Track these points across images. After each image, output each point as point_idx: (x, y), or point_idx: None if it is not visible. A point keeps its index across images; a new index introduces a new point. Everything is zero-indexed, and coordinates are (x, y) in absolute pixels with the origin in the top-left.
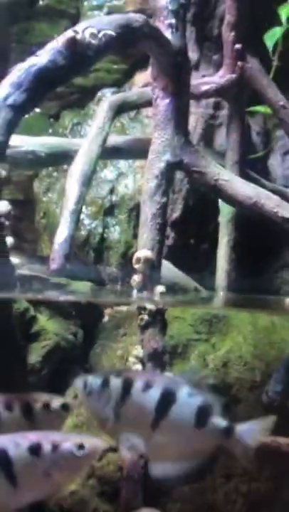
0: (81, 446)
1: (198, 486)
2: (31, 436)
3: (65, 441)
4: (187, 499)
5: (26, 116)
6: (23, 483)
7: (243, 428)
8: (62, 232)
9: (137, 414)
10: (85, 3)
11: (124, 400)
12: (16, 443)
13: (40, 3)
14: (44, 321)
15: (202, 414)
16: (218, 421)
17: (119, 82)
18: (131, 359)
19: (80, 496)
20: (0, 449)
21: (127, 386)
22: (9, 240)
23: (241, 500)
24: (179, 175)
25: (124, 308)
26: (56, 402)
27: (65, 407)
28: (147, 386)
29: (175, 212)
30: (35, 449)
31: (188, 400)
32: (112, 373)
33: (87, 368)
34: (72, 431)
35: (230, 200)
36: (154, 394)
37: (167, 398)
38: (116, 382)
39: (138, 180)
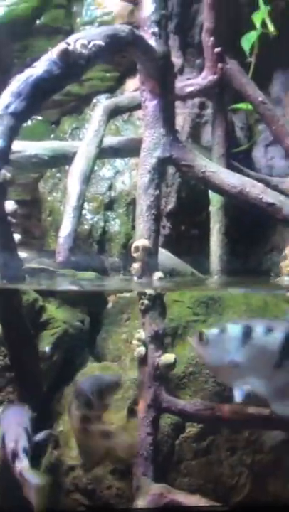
0: None
1: (205, 460)
2: None
3: None
4: (195, 474)
5: (29, 123)
6: None
7: None
8: (66, 227)
9: (259, 356)
10: (78, 20)
11: (246, 345)
12: None
13: (38, 22)
14: (53, 309)
15: None
16: None
17: (112, 89)
18: (134, 342)
19: (94, 474)
20: None
21: (248, 332)
22: (16, 237)
23: (246, 471)
24: (171, 170)
25: (126, 294)
26: None
27: None
28: (268, 330)
29: (169, 204)
30: None
31: None
32: (228, 323)
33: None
34: None
35: (218, 189)
36: (277, 336)
37: None
38: (235, 330)
39: (134, 177)
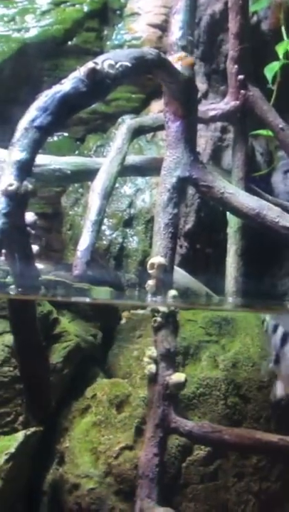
0: None
1: (212, 485)
2: None
3: None
4: (201, 499)
5: (55, 139)
6: None
7: None
8: (85, 241)
9: None
10: (108, 43)
11: None
12: None
13: (69, 43)
14: (66, 323)
15: None
16: None
17: (138, 110)
18: (145, 359)
19: (98, 495)
20: None
21: None
22: (35, 248)
23: (253, 499)
24: (191, 190)
25: (140, 311)
26: None
27: None
28: None
29: (188, 224)
30: None
31: None
32: None
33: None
34: (90, 429)
35: (235, 211)
36: None
37: None
38: None
39: (154, 195)
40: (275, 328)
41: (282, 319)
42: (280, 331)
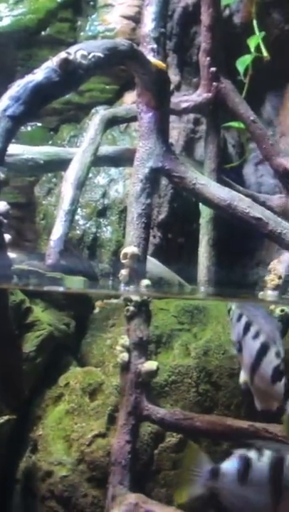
0: None
1: None
2: None
3: None
4: (173, 485)
5: (28, 129)
6: None
7: None
8: (58, 231)
9: None
10: (81, 34)
11: None
12: None
13: (43, 33)
14: (39, 312)
15: None
16: None
17: (111, 101)
18: (118, 347)
19: (70, 482)
20: None
21: None
22: (7, 237)
23: None
24: (164, 181)
25: (113, 300)
26: None
27: None
28: None
29: (161, 214)
30: None
31: None
32: None
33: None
34: (63, 417)
35: (207, 201)
36: None
37: None
38: None
39: (127, 186)
40: (240, 317)
41: (246, 308)
42: (244, 319)
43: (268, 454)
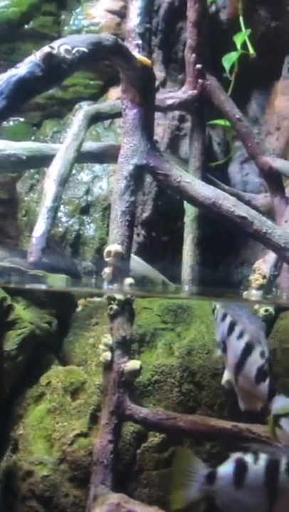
0: None
1: (166, 471)
2: None
3: None
4: (155, 485)
5: (11, 124)
6: None
7: None
8: (40, 228)
9: None
10: (65, 28)
11: None
12: None
13: (26, 26)
14: (20, 310)
15: None
16: None
17: (95, 96)
18: (101, 346)
19: (52, 481)
20: None
21: None
22: None
23: None
24: (148, 178)
25: (97, 299)
26: None
27: None
28: None
29: (145, 212)
30: None
31: None
32: None
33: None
34: (44, 416)
35: (192, 200)
36: None
37: None
38: None
39: (111, 183)
40: (224, 316)
41: (231, 308)
42: (228, 319)
43: (264, 457)
